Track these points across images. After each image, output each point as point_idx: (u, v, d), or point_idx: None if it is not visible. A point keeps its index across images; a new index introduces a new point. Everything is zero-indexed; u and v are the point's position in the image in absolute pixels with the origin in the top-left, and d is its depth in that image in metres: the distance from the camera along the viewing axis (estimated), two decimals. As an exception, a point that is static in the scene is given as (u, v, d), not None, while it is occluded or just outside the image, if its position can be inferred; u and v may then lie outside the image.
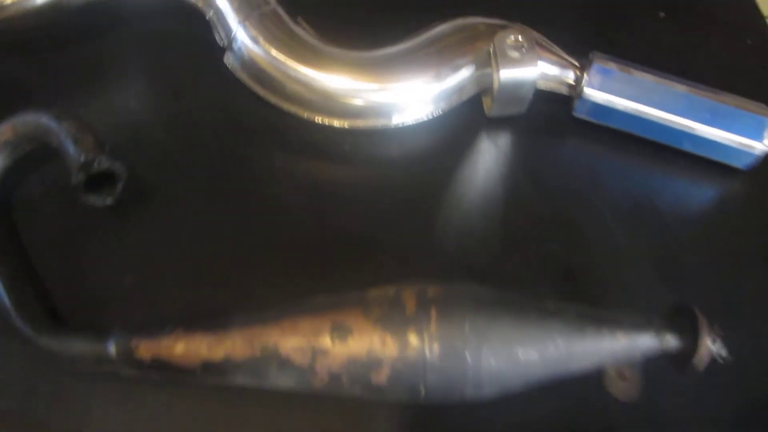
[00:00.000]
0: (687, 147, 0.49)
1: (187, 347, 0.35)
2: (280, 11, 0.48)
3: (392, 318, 0.34)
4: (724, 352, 0.36)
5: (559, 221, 0.47)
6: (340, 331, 0.34)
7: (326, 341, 0.34)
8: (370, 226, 0.45)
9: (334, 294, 0.36)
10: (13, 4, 0.46)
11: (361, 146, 0.48)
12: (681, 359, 0.36)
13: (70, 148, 0.39)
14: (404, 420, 0.38)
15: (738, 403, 0.40)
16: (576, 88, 0.48)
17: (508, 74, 0.45)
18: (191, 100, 0.49)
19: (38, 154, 0.43)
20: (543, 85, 0.48)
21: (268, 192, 0.46)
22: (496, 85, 0.46)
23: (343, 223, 0.45)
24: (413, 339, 0.34)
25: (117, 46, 0.51)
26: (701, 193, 0.49)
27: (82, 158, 0.38)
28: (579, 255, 0.45)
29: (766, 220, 0.48)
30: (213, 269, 0.42)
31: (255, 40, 0.47)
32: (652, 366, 0.36)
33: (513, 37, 0.45)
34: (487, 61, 0.47)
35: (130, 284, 0.41)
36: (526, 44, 0.45)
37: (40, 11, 0.47)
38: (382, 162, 0.48)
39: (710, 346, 0.36)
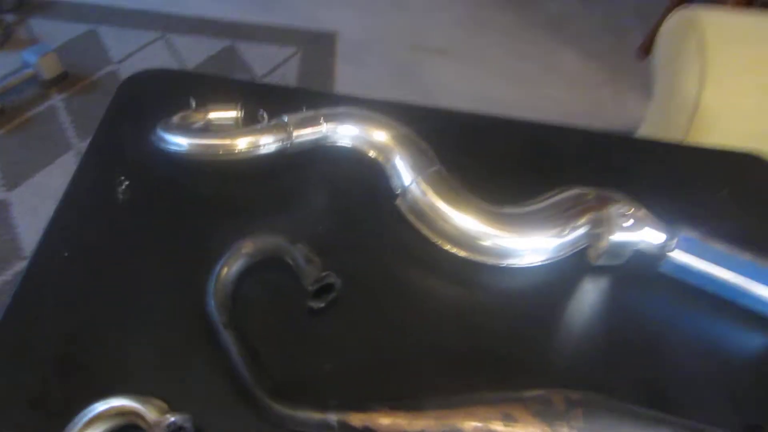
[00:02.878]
0: (745, 302, 0.62)
1: (392, 421, 0.48)
2: (443, 171, 0.64)
3: (548, 413, 0.47)
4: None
5: (648, 352, 0.59)
6: (509, 420, 0.47)
7: (499, 426, 0.47)
8: (504, 340, 0.58)
9: (498, 392, 0.49)
10: (245, 151, 0.62)
11: (495, 278, 0.62)
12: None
13: (304, 266, 0.53)
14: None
15: None
16: (664, 249, 0.62)
17: (617, 237, 0.60)
18: (367, 230, 0.64)
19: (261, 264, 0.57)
20: (640, 246, 0.63)
21: (426, 307, 0.59)
22: (605, 244, 0.61)
23: (484, 337, 0.58)
24: (565, 430, 0.46)
25: (311, 181, 0.66)
26: (757, 342, 0.62)
27: (318, 276, 0.52)
28: (664, 380, 0.57)
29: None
30: (387, 363, 0.55)
31: (424, 193, 0.62)
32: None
33: (624, 209, 0.60)
34: (598, 224, 0.62)
35: (328, 370, 0.54)
36: (633, 216, 0.60)
37: (266, 154, 0.62)
38: (512, 292, 0.62)
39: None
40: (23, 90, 1.70)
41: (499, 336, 0.59)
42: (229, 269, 0.55)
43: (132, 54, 1.87)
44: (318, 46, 1.93)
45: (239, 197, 0.65)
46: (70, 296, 0.55)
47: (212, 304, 0.54)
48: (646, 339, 0.61)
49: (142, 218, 0.62)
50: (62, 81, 1.74)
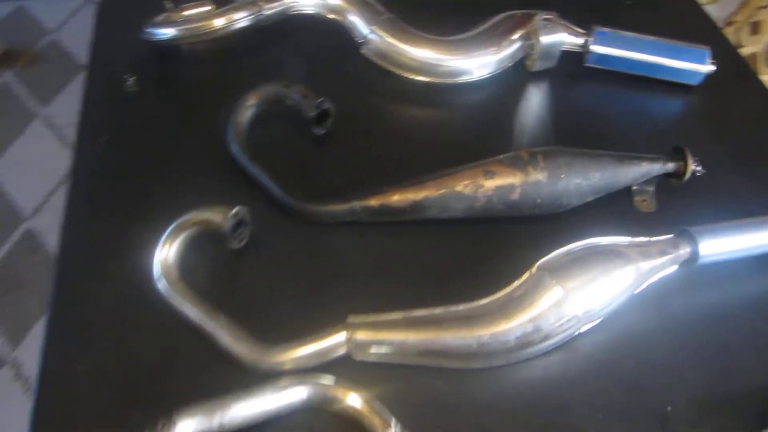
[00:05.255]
0: (659, 75, 0.77)
1: (400, 195, 0.61)
2: (392, 16, 0.76)
3: (518, 163, 0.61)
4: (700, 170, 0.63)
5: (589, 126, 0.74)
6: (490, 173, 0.61)
7: (481, 179, 0.61)
8: (472, 138, 0.71)
9: (479, 160, 0.63)
10: (222, 27, 0.73)
11: (455, 95, 0.76)
12: (677, 175, 0.64)
13: (302, 100, 0.65)
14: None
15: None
16: (586, 46, 0.76)
17: (546, 39, 0.73)
18: (344, 78, 0.76)
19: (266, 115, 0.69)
20: (564, 47, 0.76)
21: (405, 126, 0.73)
22: (537, 48, 0.74)
23: (456, 137, 0.71)
24: (531, 171, 0.60)
25: (288, 49, 0.78)
26: (673, 102, 0.78)
27: (316, 103, 0.64)
28: (604, 139, 0.72)
29: (708, 111, 0.77)
30: (384, 169, 0.67)
31: (382, 38, 0.74)
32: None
33: (546, 18, 0.74)
34: (528, 36, 0.75)
35: (339, 183, 0.66)
36: (555, 21, 0.73)
37: (240, 30, 0.73)
38: (470, 104, 0.76)
39: (694, 167, 0.63)
40: (-28, 74, 1.75)
41: (468, 135, 0.72)
42: (241, 118, 0.67)
43: (66, 21, 1.90)
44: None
45: (232, 70, 0.76)
46: (119, 166, 0.67)
47: (235, 147, 0.65)
48: (587, 117, 0.75)
49: (155, 100, 0.73)
50: (7, 59, 1.78)
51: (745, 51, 1.02)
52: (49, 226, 1.45)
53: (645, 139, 0.73)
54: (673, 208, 0.66)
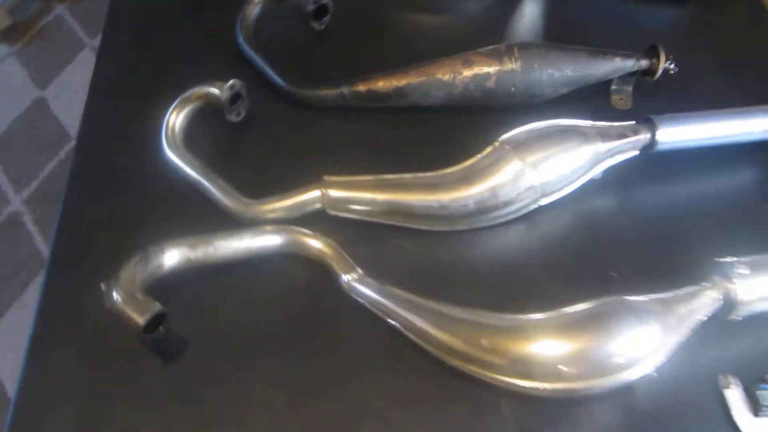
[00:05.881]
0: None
1: (385, 81, 0.67)
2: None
3: (495, 54, 0.66)
4: (673, 68, 0.67)
5: (576, 38, 0.76)
6: (469, 63, 0.66)
7: (460, 67, 0.65)
8: (463, 43, 0.75)
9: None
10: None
11: (452, 2, 0.80)
12: (650, 72, 0.67)
13: (304, -3, 0.71)
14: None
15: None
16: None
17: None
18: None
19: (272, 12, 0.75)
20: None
21: (395, 27, 0.78)
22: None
23: (452, 43, 0.75)
24: (507, 61, 0.65)
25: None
26: (666, 13, 0.81)
27: (314, -1, 0.70)
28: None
29: (700, 23, 0.80)
30: (376, 64, 0.72)
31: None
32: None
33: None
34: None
35: (338, 74, 0.72)
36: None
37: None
38: (468, 9, 0.80)
39: (666, 65, 0.67)
40: (29, 5, 1.86)
41: (464, 40, 0.76)
42: (249, 13, 0.73)
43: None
44: None
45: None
46: (138, 53, 0.75)
47: (241, 39, 0.72)
48: (578, 27, 0.79)
49: None
50: (63, -10, 1.90)
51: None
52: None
53: (633, 47, 0.76)
54: (650, 108, 0.69)
